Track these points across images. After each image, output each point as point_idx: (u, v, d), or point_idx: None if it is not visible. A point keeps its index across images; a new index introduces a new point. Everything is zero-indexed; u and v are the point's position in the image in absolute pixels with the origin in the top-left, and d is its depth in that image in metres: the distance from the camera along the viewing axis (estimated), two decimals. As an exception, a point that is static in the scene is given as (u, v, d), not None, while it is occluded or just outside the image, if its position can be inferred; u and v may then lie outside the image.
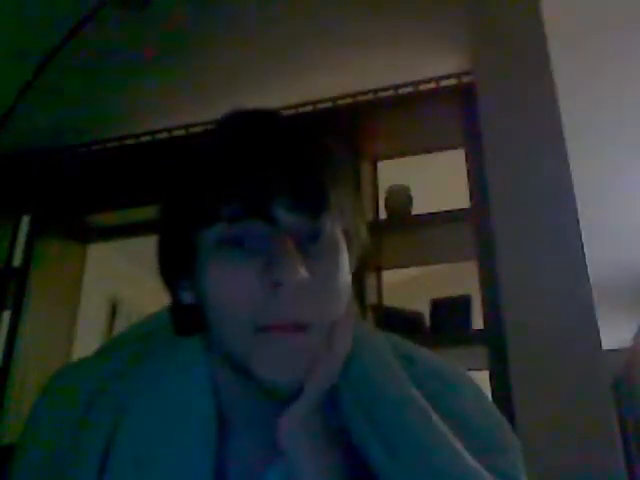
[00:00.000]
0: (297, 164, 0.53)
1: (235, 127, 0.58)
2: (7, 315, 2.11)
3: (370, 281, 1.86)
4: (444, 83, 1.91)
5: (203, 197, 0.53)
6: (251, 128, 0.56)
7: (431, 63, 1.97)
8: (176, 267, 0.58)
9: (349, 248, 0.58)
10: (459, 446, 0.54)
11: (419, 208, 1.87)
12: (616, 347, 4.17)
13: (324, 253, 0.54)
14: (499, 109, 1.67)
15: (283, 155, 0.54)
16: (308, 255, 0.52)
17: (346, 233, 0.57)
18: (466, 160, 1.77)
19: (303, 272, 0.50)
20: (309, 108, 2.02)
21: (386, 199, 1.88)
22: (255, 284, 0.51)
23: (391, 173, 2.02)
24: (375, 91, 1.95)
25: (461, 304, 1.78)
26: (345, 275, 0.56)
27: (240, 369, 0.54)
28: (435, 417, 0.55)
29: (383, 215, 1.86)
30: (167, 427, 0.56)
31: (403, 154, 2.06)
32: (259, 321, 0.51)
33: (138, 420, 0.57)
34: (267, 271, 0.50)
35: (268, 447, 0.56)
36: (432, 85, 1.91)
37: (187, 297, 0.58)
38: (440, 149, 2.03)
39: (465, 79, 1.87)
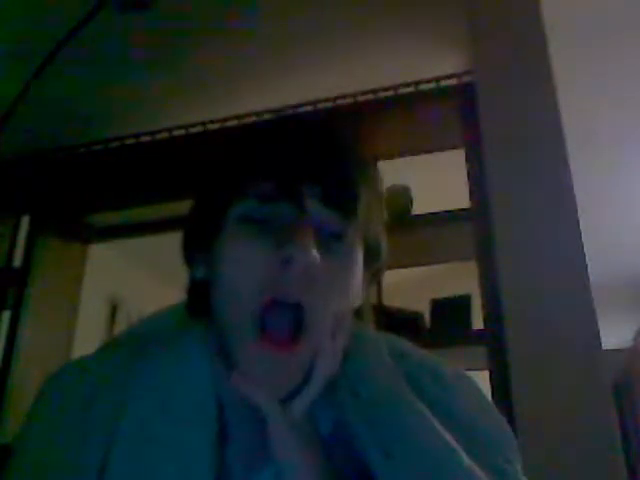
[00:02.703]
0: (339, 165, 0.56)
1: (283, 121, 0.62)
2: (7, 315, 2.11)
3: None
4: (444, 83, 1.91)
5: (239, 172, 0.55)
6: (299, 125, 0.60)
7: (431, 63, 1.97)
8: (198, 240, 0.59)
9: (366, 260, 0.58)
10: (455, 445, 0.54)
11: (419, 208, 1.87)
12: (616, 347, 4.17)
13: (341, 254, 0.55)
14: (499, 109, 1.67)
15: (328, 153, 0.56)
16: (325, 250, 0.53)
17: (366, 245, 0.58)
18: (466, 160, 1.77)
19: (315, 254, 0.51)
20: (309, 108, 2.02)
21: (386, 199, 1.88)
22: (267, 259, 0.52)
23: (391, 173, 2.02)
24: (375, 91, 1.95)
25: (461, 304, 1.78)
26: (355, 281, 0.56)
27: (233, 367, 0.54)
28: (430, 416, 0.55)
29: (383, 215, 1.86)
30: (168, 429, 0.56)
31: (403, 154, 2.06)
32: (264, 293, 0.52)
33: (138, 421, 0.57)
34: (280, 247, 0.52)
35: (266, 445, 0.56)
36: (432, 85, 1.91)
37: (199, 272, 0.59)
38: (440, 149, 2.03)
39: (465, 79, 1.87)
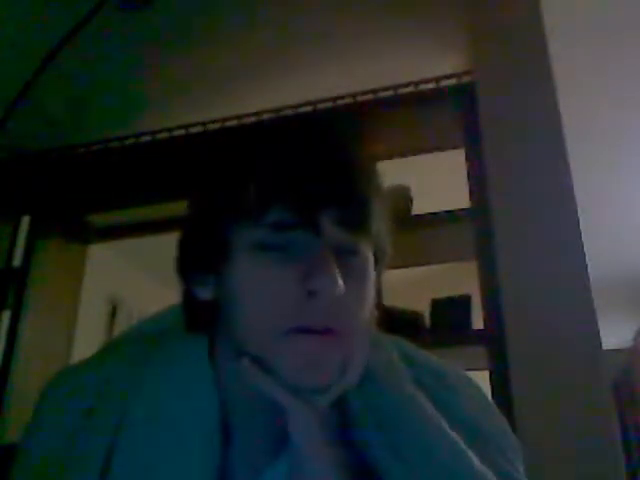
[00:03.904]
0: (350, 180, 0.55)
1: (293, 136, 0.58)
2: (7, 315, 2.11)
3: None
4: (444, 83, 1.90)
5: (251, 198, 0.53)
6: (307, 139, 0.57)
7: (431, 63, 1.97)
8: (201, 262, 0.57)
9: (377, 267, 0.59)
10: (464, 447, 0.54)
11: (419, 208, 1.87)
12: (616, 347, 4.18)
13: (357, 270, 0.55)
14: (499, 109, 1.67)
15: (337, 169, 0.55)
16: (342, 266, 0.52)
17: (376, 253, 0.59)
18: (466, 160, 1.77)
19: (340, 285, 0.51)
20: (309, 108, 2.02)
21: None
22: (292, 290, 0.51)
23: (391, 173, 2.02)
24: (375, 91, 1.95)
25: (461, 304, 1.78)
26: (371, 293, 0.57)
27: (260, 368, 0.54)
28: (441, 419, 0.55)
29: (383, 215, 1.86)
30: (170, 433, 0.56)
31: (403, 154, 2.05)
32: (289, 324, 0.51)
33: (140, 426, 0.56)
34: (306, 279, 0.51)
35: (268, 446, 0.56)
36: (432, 85, 1.91)
37: (204, 293, 0.58)
38: (440, 149, 2.03)
39: (465, 79, 1.86)
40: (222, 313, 0.57)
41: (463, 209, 1.75)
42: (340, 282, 0.51)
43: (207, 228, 0.57)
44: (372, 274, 0.57)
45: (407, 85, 1.93)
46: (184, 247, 0.59)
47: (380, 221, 0.57)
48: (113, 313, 3.03)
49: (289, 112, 2.00)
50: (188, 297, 0.59)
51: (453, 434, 0.55)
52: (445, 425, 0.55)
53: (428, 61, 1.99)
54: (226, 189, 0.56)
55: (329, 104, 2.00)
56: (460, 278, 1.94)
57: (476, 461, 0.53)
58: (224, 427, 0.57)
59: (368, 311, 0.56)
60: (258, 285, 0.53)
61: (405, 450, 0.53)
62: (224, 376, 0.58)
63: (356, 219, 0.54)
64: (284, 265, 0.52)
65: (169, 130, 2.17)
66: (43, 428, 0.59)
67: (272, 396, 0.52)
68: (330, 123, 0.62)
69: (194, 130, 2.15)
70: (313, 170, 0.54)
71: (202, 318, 0.59)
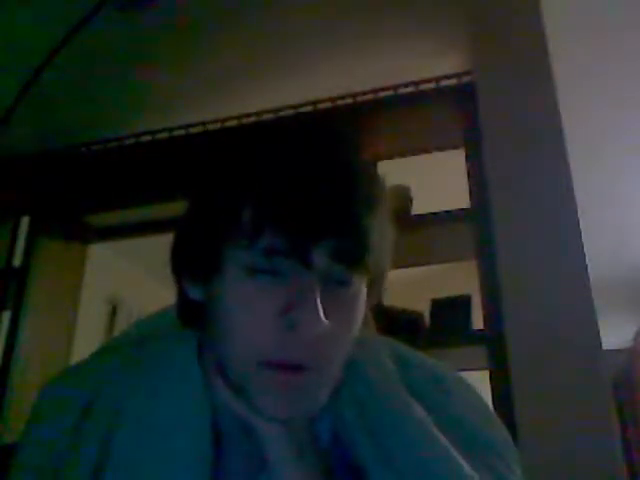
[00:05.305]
0: (351, 211, 0.52)
1: (295, 153, 0.54)
2: (7, 315, 2.11)
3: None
4: (444, 83, 1.91)
5: (246, 221, 0.51)
6: (310, 158, 0.53)
7: (431, 63, 1.97)
8: (193, 268, 0.57)
9: (369, 296, 0.57)
10: (456, 454, 0.53)
11: (419, 208, 1.87)
12: (616, 347, 4.17)
13: (345, 301, 0.53)
14: (499, 109, 1.67)
15: (338, 197, 0.51)
16: (330, 298, 0.51)
17: (370, 284, 0.56)
18: (466, 160, 1.77)
19: (323, 322, 0.49)
20: (309, 108, 2.02)
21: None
22: (273, 320, 0.50)
23: (391, 173, 2.02)
24: (375, 91, 1.95)
25: (461, 304, 1.78)
26: (357, 324, 0.55)
27: (234, 387, 0.54)
28: (431, 423, 0.55)
29: (383, 215, 1.86)
30: (162, 439, 0.56)
31: (403, 154, 2.05)
32: (266, 356, 0.51)
33: (134, 428, 0.56)
34: (288, 311, 0.50)
35: (260, 455, 0.56)
36: (432, 85, 1.91)
37: (195, 294, 0.58)
38: (440, 149, 2.03)
39: (465, 79, 1.86)
40: (209, 320, 0.56)
41: (463, 209, 1.76)
42: (323, 319, 0.49)
43: (202, 239, 0.55)
44: (362, 304, 0.55)
45: (407, 85, 1.93)
46: (178, 249, 0.58)
47: (380, 250, 0.54)
48: (113, 313, 3.03)
49: (289, 112, 2.00)
50: (180, 293, 0.60)
51: (445, 441, 0.54)
52: (436, 431, 0.55)
53: (428, 61, 1.99)
54: (222, 207, 0.54)
55: (329, 104, 2.00)
56: (460, 278, 1.94)
57: (467, 469, 0.53)
58: (217, 432, 0.57)
59: (350, 342, 0.54)
60: (241, 308, 0.52)
61: (394, 458, 0.53)
62: (213, 380, 0.58)
63: (352, 253, 0.51)
64: (270, 292, 0.51)
65: (169, 130, 2.17)
66: (41, 427, 0.59)
67: (241, 416, 0.54)
68: (339, 138, 0.57)
69: (194, 130, 2.15)
70: (312, 196, 0.50)
71: (193, 315, 0.59)
